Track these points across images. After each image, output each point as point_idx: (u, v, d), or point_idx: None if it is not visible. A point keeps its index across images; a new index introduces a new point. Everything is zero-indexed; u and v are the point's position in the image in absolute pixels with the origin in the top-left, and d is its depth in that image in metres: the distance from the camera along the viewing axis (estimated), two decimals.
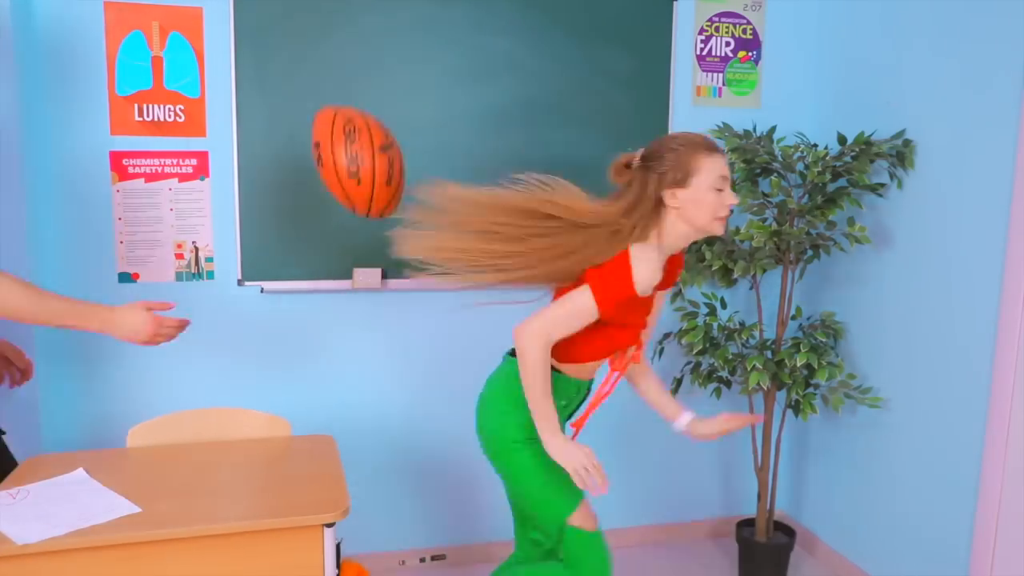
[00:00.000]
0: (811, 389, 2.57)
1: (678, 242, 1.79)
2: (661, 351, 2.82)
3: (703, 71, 2.86)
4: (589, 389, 1.97)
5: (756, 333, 2.66)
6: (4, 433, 2.01)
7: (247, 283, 2.49)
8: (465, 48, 2.57)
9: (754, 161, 2.58)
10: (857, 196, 2.54)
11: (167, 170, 2.42)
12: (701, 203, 1.71)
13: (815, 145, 2.57)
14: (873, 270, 2.64)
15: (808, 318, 2.86)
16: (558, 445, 1.72)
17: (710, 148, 1.73)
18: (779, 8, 2.91)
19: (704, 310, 2.66)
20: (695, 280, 2.67)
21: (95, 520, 1.50)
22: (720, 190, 1.72)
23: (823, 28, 2.90)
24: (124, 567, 1.49)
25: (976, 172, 2.23)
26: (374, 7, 2.48)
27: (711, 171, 1.71)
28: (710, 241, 2.58)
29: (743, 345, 2.65)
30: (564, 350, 1.82)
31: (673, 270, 1.90)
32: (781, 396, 2.73)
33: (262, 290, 2.52)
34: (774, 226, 2.48)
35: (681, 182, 1.71)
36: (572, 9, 2.65)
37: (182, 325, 1.81)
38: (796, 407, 2.57)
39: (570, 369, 1.86)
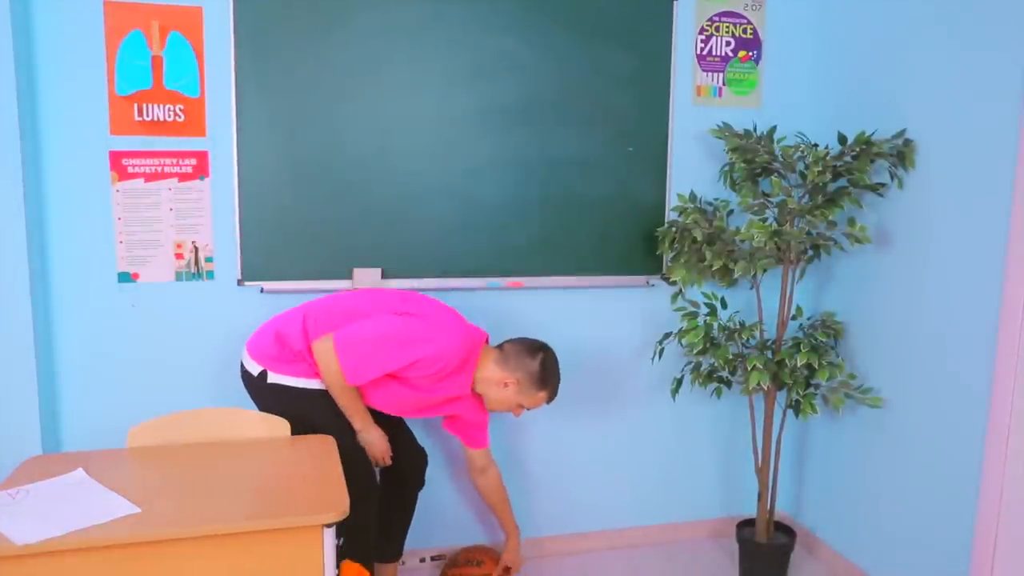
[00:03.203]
0: (811, 389, 2.57)
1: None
2: (661, 351, 2.82)
3: (703, 71, 2.86)
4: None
5: (756, 333, 2.65)
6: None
7: (247, 283, 2.49)
8: (465, 47, 2.57)
9: (754, 161, 2.58)
10: (857, 196, 2.54)
11: (167, 170, 2.42)
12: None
13: (815, 145, 2.57)
14: (874, 270, 2.64)
15: (808, 318, 2.86)
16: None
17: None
18: (779, 8, 2.90)
19: (704, 310, 2.66)
20: (696, 280, 2.67)
21: (95, 520, 1.50)
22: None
23: (823, 28, 2.90)
24: (123, 567, 1.49)
25: (977, 171, 2.23)
26: (374, 6, 2.48)
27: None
28: (710, 241, 2.57)
29: (743, 345, 2.65)
30: None
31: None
32: (781, 396, 2.73)
33: (262, 290, 2.51)
34: (774, 226, 2.47)
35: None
36: (572, 8, 2.65)
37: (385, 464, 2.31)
38: (796, 407, 2.57)
39: None
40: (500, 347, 2.27)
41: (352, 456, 2.14)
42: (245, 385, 2.24)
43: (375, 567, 2.49)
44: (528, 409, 2.31)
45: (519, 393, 2.25)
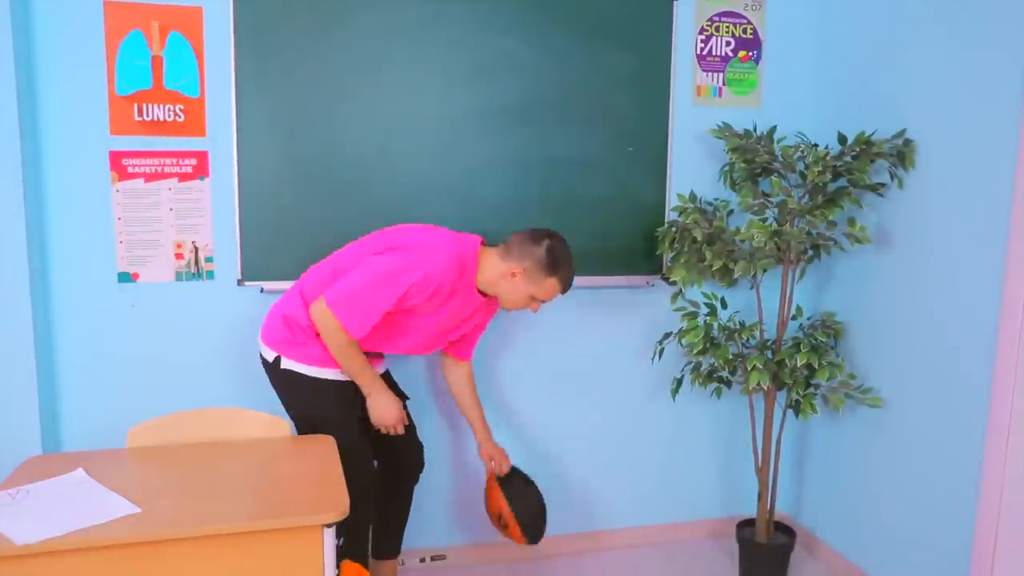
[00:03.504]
0: (811, 389, 2.57)
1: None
2: (661, 351, 2.82)
3: (703, 71, 2.85)
4: None
5: (756, 333, 2.65)
6: (408, 399, 2.45)
7: (247, 283, 2.49)
8: (465, 47, 2.57)
9: (754, 161, 2.58)
10: (857, 196, 2.54)
11: (167, 170, 2.42)
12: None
13: (815, 145, 2.57)
14: (874, 270, 2.64)
15: (808, 318, 2.85)
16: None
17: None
18: (779, 8, 2.90)
19: (704, 310, 2.66)
20: (696, 280, 2.67)
21: (95, 520, 1.50)
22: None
23: (823, 28, 2.90)
24: (123, 567, 1.49)
25: (977, 171, 2.23)
26: (374, 6, 2.48)
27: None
28: (710, 241, 2.57)
29: (743, 345, 2.65)
30: None
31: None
32: (781, 396, 2.73)
33: (262, 290, 2.51)
34: (774, 226, 2.47)
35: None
36: (572, 8, 2.65)
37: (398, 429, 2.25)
38: (796, 407, 2.57)
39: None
40: (505, 241, 2.23)
41: (352, 454, 2.13)
42: (265, 372, 2.25)
43: (372, 565, 2.49)
44: (544, 301, 2.21)
45: (528, 283, 2.17)
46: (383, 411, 2.19)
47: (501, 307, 2.27)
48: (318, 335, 2.14)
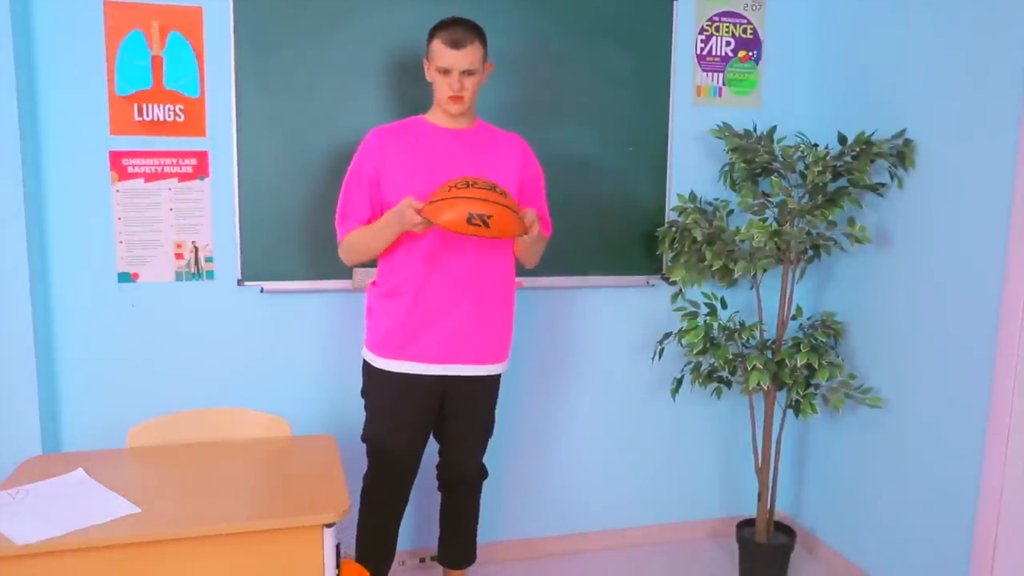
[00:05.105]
0: (811, 389, 2.57)
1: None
2: (661, 351, 2.82)
3: (703, 71, 2.86)
4: None
5: (756, 333, 2.65)
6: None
7: (247, 283, 2.49)
8: None
9: (754, 161, 2.58)
10: (857, 196, 2.54)
11: (167, 170, 2.42)
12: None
13: (815, 145, 2.57)
14: (874, 270, 2.64)
15: (808, 318, 2.86)
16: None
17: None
18: (779, 8, 2.90)
19: (704, 310, 2.66)
20: (696, 280, 2.67)
21: (95, 520, 1.50)
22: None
23: (823, 28, 2.90)
24: (123, 567, 1.49)
25: (977, 171, 2.23)
26: (374, 7, 2.48)
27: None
28: (710, 241, 2.57)
29: (743, 345, 2.65)
30: None
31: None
32: (781, 396, 2.73)
33: (262, 290, 2.52)
34: (774, 226, 2.48)
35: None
36: (572, 9, 2.65)
37: (419, 212, 1.95)
38: (796, 407, 2.57)
39: None
40: None
41: (379, 447, 2.20)
42: None
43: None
44: (448, 68, 2.06)
45: (430, 63, 2.10)
46: (404, 221, 1.99)
47: (447, 111, 2.13)
48: (380, 315, 2.18)
